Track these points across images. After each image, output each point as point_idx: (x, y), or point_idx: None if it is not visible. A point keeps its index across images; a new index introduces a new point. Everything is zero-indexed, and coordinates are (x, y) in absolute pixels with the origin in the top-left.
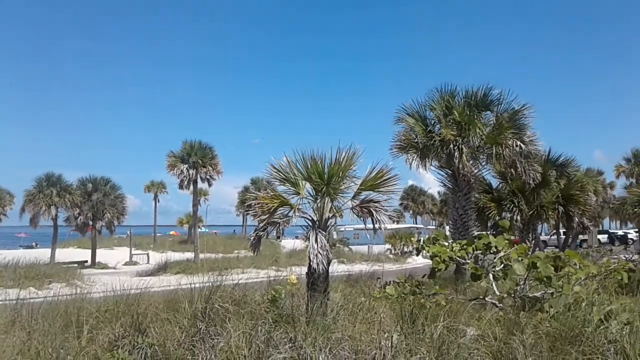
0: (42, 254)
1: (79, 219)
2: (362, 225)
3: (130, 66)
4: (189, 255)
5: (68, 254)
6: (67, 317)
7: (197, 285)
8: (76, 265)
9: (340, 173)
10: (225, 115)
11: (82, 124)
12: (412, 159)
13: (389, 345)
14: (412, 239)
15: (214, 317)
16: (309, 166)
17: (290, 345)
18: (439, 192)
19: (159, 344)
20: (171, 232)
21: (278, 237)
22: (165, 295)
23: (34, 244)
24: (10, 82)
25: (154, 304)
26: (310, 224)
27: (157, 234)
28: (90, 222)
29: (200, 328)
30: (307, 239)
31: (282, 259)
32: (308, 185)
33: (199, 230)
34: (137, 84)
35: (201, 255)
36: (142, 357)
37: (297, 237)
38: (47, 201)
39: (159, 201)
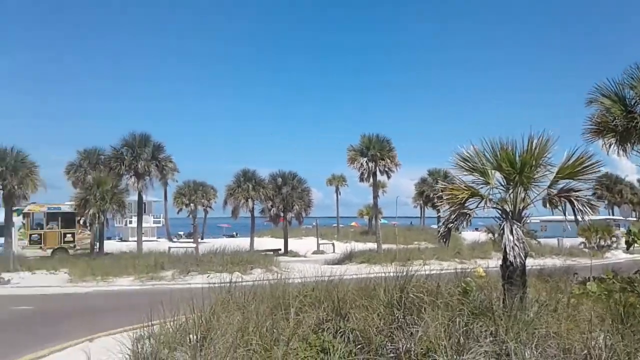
0: (242, 242)
1: (271, 210)
2: (550, 217)
3: (308, 60)
4: (371, 245)
5: (263, 242)
6: (274, 300)
7: (386, 274)
8: (272, 253)
9: (533, 161)
10: (401, 108)
11: (264, 120)
12: (610, 144)
13: (602, 345)
14: (620, 231)
15: (409, 306)
16: (499, 155)
17: (491, 338)
18: (639, 180)
19: (359, 329)
20: (352, 224)
21: (457, 229)
22: (357, 283)
23: (234, 233)
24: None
25: (351, 290)
26: (503, 215)
27: (340, 225)
28: (282, 214)
29: (397, 316)
30: (501, 230)
31: (465, 251)
32: (497, 175)
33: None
34: (313, 77)
35: (383, 246)
36: (345, 340)
37: (477, 229)
38: (244, 195)
39: (340, 194)
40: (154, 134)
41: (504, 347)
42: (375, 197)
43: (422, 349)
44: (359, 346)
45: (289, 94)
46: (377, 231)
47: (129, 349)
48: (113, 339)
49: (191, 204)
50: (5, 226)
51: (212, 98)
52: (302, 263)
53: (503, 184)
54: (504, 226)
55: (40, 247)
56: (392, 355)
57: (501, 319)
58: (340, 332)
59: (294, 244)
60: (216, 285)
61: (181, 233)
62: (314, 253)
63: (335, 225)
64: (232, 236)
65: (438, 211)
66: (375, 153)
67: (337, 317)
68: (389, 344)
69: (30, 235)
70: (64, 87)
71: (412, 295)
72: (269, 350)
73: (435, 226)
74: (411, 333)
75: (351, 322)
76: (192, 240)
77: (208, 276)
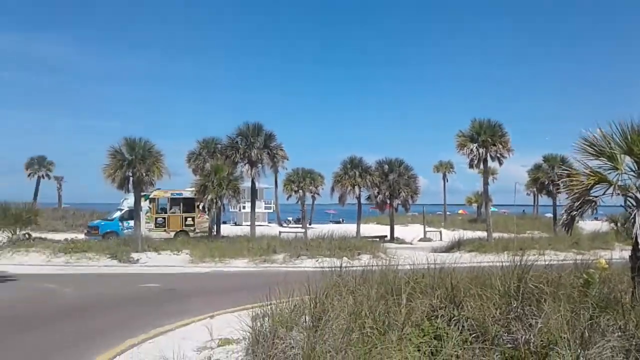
0: (348, 228)
1: (378, 197)
2: None
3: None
4: (480, 233)
5: (369, 229)
6: (386, 285)
7: (500, 263)
8: (377, 239)
9: None
10: (515, 92)
11: (375, 108)
12: None
13: None
14: None
15: (528, 296)
16: (630, 138)
17: (619, 333)
18: None
19: (474, 317)
20: (460, 211)
21: (580, 217)
22: (469, 272)
23: (341, 219)
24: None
25: (465, 278)
26: (634, 202)
27: (447, 213)
28: (388, 201)
29: (515, 306)
30: (632, 219)
31: (584, 242)
32: (627, 159)
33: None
34: (421, 65)
35: (493, 234)
36: (459, 329)
37: (596, 218)
38: (351, 182)
39: (447, 181)
40: (266, 124)
41: (634, 343)
42: (486, 184)
43: (542, 341)
44: (473, 335)
45: (397, 82)
46: (487, 219)
47: (249, 326)
48: (232, 316)
49: (300, 191)
50: (135, 210)
51: (320, 90)
52: (408, 250)
53: (634, 169)
54: (635, 214)
55: (165, 230)
56: (509, 345)
57: (630, 313)
58: (454, 320)
59: (400, 231)
60: (326, 269)
61: (290, 218)
62: (420, 240)
63: (442, 212)
64: (339, 222)
65: (554, 199)
66: (486, 139)
67: (451, 305)
68: (506, 334)
69: (156, 218)
70: (186, 85)
71: (530, 285)
72: (383, 334)
73: (549, 215)
74: (530, 324)
75: (465, 311)
76: (300, 225)
77: (317, 260)
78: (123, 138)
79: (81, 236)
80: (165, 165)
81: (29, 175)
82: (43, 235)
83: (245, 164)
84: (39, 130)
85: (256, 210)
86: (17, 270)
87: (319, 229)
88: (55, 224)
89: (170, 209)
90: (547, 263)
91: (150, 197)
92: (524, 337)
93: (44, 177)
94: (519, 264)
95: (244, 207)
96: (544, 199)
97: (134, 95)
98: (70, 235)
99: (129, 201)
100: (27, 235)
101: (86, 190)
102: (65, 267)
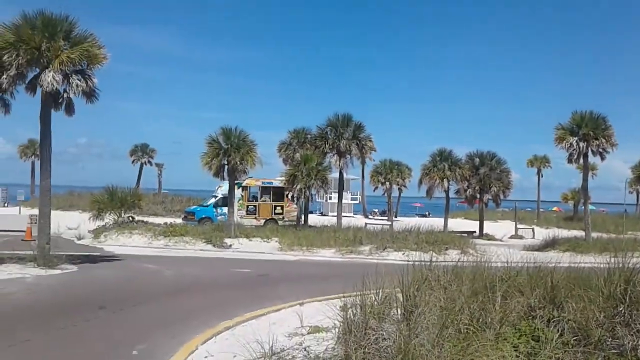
0: (435, 222)
1: (467, 191)
2: None
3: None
4: (576, 232)
5: (457, 223)
6: (479, 282)
7: (602, 265)
8: (466, 235)
9: None
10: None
11: (466, 102)
12: None
13: None
14: None
15: (636, 300)
16: None
17: None
18: None
19: (575, 319)
20: (554, 208)
21: None
22: (567, 272)
23: (426, 212)
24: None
25: (566, 278)
26: None
27: (540, 209)
28: (478, 195)
29: (621, 310)
30: None
31: None
32: None
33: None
34: (512, 53)
35: (592, 234)
36: (559, 330)
37: None
38: (440, 174)
39: (542, 176)
40: (354, 114)
41: None
42: (585, 180)
43: None
44: (575, 338)
45: (487, 73)
46: (585, 217)
47: (340, 315)
48: (321, 305)
49: (386, 183)
50: (229, 197)
51: (409, 81)
52: (497, 247)
53: None
54: None
55: (255, 217)
56: (614, 351)
57: None
58: (553, 321)
59: (489, 226)
60: (414, 262)
61: (375, 210)
62: (511, 237)
63: (531, 209)
64: (425, 216)
65: None
66: (587, 132)
67: (550, 306)
68: (610, 339)
69: (247, 206)
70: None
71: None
72: (478, 332)
73: None
74: (638, 330)
75: (566, 312)
76: (386, 217)
77: (403, 253)
78: (220, 127)
79: (179, 221)
80: (258, 154)
81: (132, 162)
82: (144, 219)
83: (334, 155)
84: (140, 119)
85: (342, 201)
86: (121, 250)
87: (405, 222)
88: (155, 209)
89: (261, 197)
90: None
91: (242, 185)
92: (631, 342)
93: (146, 164)
94: (625, 265)
95: (330, 198)
96: None
97: (229, 86)
98: (168, 220)
99: (223, 188)
100: (131, 218)
101: (181, 177)
102: (164, 250)
